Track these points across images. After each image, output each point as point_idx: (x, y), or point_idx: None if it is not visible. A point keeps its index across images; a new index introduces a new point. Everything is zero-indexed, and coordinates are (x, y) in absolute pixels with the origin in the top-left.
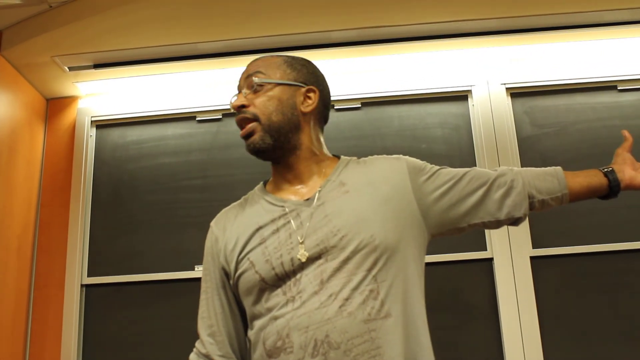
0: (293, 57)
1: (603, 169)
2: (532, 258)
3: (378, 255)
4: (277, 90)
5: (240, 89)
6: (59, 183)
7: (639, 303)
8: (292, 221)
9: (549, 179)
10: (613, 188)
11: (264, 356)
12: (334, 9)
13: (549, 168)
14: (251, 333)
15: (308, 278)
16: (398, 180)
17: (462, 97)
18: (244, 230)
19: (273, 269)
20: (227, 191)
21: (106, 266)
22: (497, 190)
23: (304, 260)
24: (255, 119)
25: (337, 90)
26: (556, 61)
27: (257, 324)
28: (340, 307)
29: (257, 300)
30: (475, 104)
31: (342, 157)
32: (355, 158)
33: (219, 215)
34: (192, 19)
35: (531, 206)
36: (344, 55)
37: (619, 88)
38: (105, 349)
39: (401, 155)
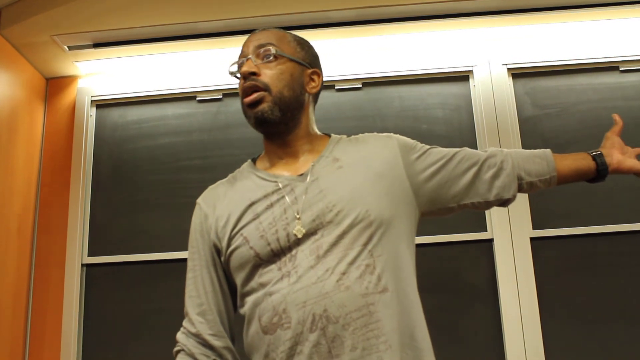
0: (300, 37)
1: (591, 153)
2: (532, 239)
3: (373, 230)
4: (289, 66)
5: (245, 55)
6: (59, 163)
7: (638, 284)
8: (286, 196)
9: (538, 161)
10: (601, 172)
11: (259, 332)
12: None
13: (538, 150)
14: (244, 310)
15: (304, 253)
16: (390, 158)
17: (463, 77)
18: (235, 206)
19: (268, 244)
20: (227, 171)
21: (107, 246)
22: (487, 171)
23: (300, 236)
24: (265, 89)
25: (338, 70)
26: (558, 41)
27: (250, 300)
28: (337, 281)
29: (250, 276)
30: (477, 84)
31: (332, 135)
32: (345, 136)
33: (205, 192)
34: None
35: (519, 188)
36: (345, 35)
37: (621, 69)
38: (106, 329)
39: (392, 134)
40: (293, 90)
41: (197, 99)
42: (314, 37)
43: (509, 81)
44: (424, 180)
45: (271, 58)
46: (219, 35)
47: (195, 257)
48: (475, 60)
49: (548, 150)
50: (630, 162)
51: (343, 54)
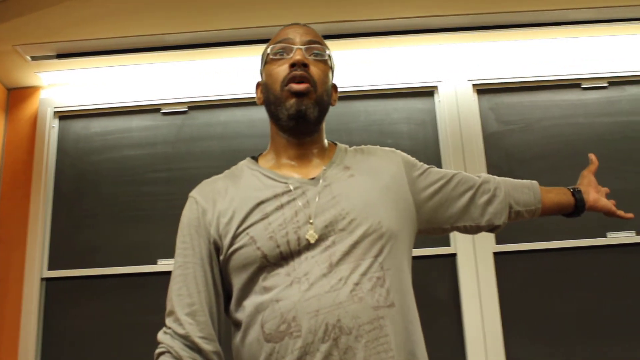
0: None
1: (571, 189)
2: (495, 254)
3: (384, 242)
4: (328, 71)
5: (292, 43)
6: (20, 175)
7: (599, 299)
8: (297, 199)
9: (526, 191)
10: (579, 208)
11: (260, 340)
12: (302, 2)
13: (525, 181)
14: (242, 314)
15: (315, 260)
16: (395, 172)
17: (428, 92)
18: (241, 203)
19: (278, 246)
20: (191, 185)
21: (67, 259)
22: (481, 196)
23: (312, 241)
24: (313, 85)
25: None
26: (522, 58)
27: (250, 304)
28: (351, 291)
29: (252, 279)
30: (442, 99)
31: (338, 144)
32: (347, 146)
33: (201, 187)
34: (159, 10)
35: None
36: None
37: (582, 86)
38: (66, 344)
39: (394, 149)
40: (328, 96)
41: (162, 111)
42: None
43: (473, 97)
44: (425, 199)
45: (325, 57)
46: (186, 48)
47: (188, 253)
48: (440, 76)
49: (535, 182)
50: (604, 202)
51: None
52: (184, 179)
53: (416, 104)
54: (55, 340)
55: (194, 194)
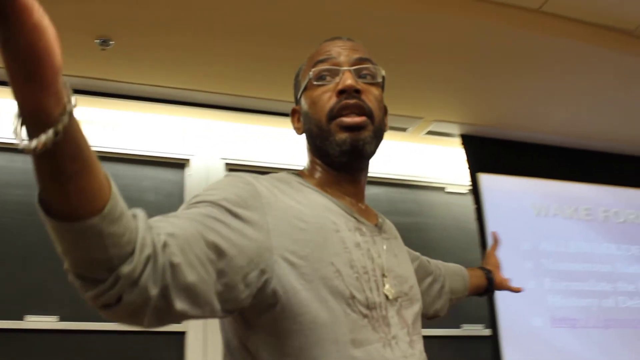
0: None
1: (484, 270)
2: None
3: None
4: (380, 93)
5: (338, 64)
6: None
7: None
8: (369, 244)
9: (459, 280)
10: (490, 288)
11: None
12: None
13: (457, 267)
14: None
15: (394, 321)
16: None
17: (179, 164)
18: (316, 219)
19: (364, 291)
20: None
21: None
22: (434, 285)
23: (391, 298)
24: (370, 115)
25: None
26: (272, 143)
27: (329, 355)
28: None
29: None
30: (193, 173)
31: None
32: None
33: (248, 175)
34: None
35: None
36: None
37: None
38: None
39: None
40: (384, 125)
41: None
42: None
43: (225, 174)
44: None
45: (379, 80)
46: None
47: (218, 221)
48: (194, 150)
49: (465, 270)
50: (507, 284)
51: None
52: None
53: (166, 174)
54: None
55: (244, 175)
